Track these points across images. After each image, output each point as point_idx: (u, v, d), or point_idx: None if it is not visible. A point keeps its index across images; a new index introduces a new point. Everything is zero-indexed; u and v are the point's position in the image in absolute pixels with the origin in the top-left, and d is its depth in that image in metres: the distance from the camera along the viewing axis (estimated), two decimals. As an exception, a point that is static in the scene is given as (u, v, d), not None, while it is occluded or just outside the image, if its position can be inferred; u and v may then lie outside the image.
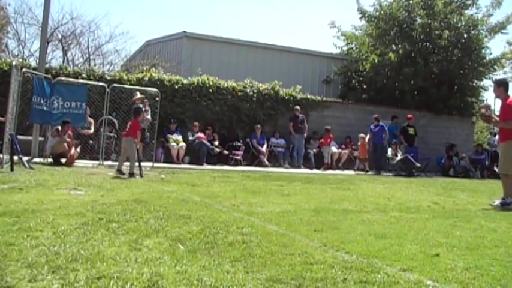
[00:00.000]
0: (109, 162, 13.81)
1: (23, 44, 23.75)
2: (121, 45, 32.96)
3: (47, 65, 15.97)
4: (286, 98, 19.07)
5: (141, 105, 12.49)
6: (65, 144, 12.78)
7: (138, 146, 11.82)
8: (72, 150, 12.99)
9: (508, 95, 8.90)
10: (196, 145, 16.36)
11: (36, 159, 12.94)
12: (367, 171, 18.29)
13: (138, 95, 15.28)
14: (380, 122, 18.61)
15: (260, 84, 18.68)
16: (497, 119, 8.96)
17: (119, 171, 11.02)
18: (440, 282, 3.77)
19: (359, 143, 18.77)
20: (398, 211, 7.61)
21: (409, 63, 21.04)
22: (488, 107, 9.83)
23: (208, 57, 20.97)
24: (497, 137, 22.69)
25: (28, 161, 11.61)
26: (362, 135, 18.66)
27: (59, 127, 13.06)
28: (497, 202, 8.64)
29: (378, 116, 18.68)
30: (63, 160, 12.81)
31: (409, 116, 19.97)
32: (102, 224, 5.21)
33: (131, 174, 10.92)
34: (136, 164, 11.18)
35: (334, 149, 19.03)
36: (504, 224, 6.79)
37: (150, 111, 15.38)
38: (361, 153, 18.70)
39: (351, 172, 18.03)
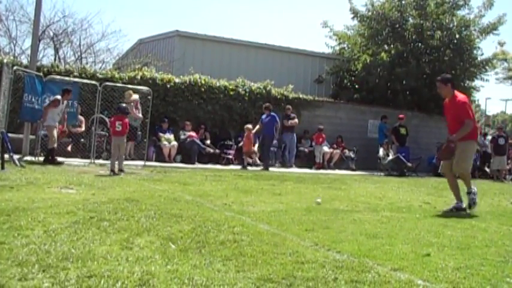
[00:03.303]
0: (100, 161, 13.77)
1: (14, 41, 23.60)
2: (113, 43, 32.97)
3: (39, 63, 15.86)
4: (278, 97, 19.07)
5: (125, 105, 12.55)
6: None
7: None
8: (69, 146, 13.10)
9: (455, 92, 8.42)
10: (188, 144, 16.34)
11: (28, 158, 12.89)
12: (246, 165, 16.53)
13: (135, 96, 15.24)
14: (272, 112, 16.82)
15: (252, 84, 18.68)
16: (454, 137, 8.21)
17: (113, 171, 11.17)
18: (431, 282, 3.79)
19: (245, 135, 16.92)
20: (389, 211, 7.64)
21: (401, 63, 21.08)
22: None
23: (201, 56, 20.92)
24: (489, 137, 22.91)
25: (19, 159, 11.56)
26: (249, 126, 16.92)
27: (59, 96, 12.89)
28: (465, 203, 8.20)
29: (269, 105, 17.03)
30: (59, 159, 12.74)
31: (400, 116, 20.03)
32: (93, 223, 5.20)
33: (121, 171, 11.34)
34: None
35: (326, 148, 19.05)
36: (495, 224, 6.83)
37: (141, 109, 15.38)
38: (247, 146, 16.89)
39: (343, 172, 18.04)
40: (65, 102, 13.04)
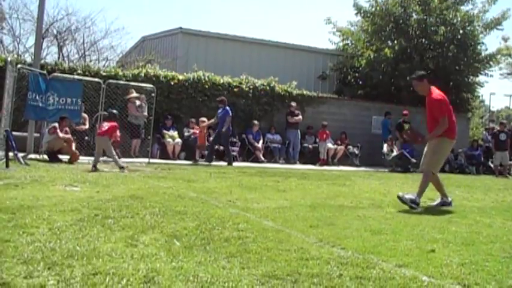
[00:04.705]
0: (104, 158, 13.77)
1: (18, 39, 23.71)
2: (116, 41, 33.11)
3: (42, 61, 15.89)
4: (282, 93, 19.05)
5: (115, 111, 12.60)
6: (64, 141, 12.80)
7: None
8: (73, 147, 13.02)
9: (431, 88, 8.15)
10: (192, 141, 16.35)
11: (32, 156, 12.91)
12: (198, 159, 15.87)
13: (134, 94, 15.32)
14: (226, 105, 15.71)
15: (256, 80, 18.67)
16: (428, 137, 8.18)
17: (95, 167, 11.20)
18: (436, 278, 3.78)
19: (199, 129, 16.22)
20: (393, 207, 7.63)
21: (404, 59, 21.03)
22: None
23: (204, 53, 20.95)
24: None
25: (23, 158, 11.57)
26: (203, 119, 16.16)
27: (57, 124, 13.02)
28: (437, 202, 8.07)
29: (223, 99, 15.87)
30: (60, 156, 12.80)
31: (404, 112, 19.94)
32: (98, 220, 5.21)
33: (122, 168, 11.37)
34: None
35: (330, 145, 19.03)
36: (499, 220, 6.82)
37: (146, 107, 15.45)
38: (200, 140, 16.11)
39: (347, 168, 18.02)
40: (65, 129, 13.13)
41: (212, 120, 16.01)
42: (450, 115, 8.03)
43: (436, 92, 8.08)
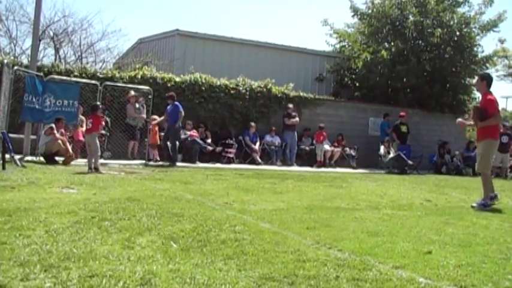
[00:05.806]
0: (101, 161, 13.76)
1: (14, 41, 23.62)
2: (113, 43, 33.00)
3: (39, 63, 15.85)
4: (279, 95, 19.05)
5: (98, 103, 12.48)
6: (60, 142, 12.79)
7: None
8: (70, 149, 13.01)
9: (488, 90, 8.84)
10: (189, 143, 16.33)
11: (28, 158, 12.90)
12: (157, 160, 15.51)
13: (132, 93, 15.34)
14: (176, 101, 15.27)
15: (253, 82, 18.67)
16: (471, 122, 9.15)
17: (96, 169, 11.11)
18: (433, 280, 3.79)
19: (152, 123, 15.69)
20: (390, 209, 7.64)
21: (401, 61, 21.07)
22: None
23: (201, 55, 20.91)
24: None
25: (20, 160, 11.57)
26: (154, 116, 15.72)
27: (53, 125, 13.02)
28: (477, 203, 8.44)
29: (172, 94, 15.42)
30: (57, 158, 12.80)
31: (401, 113, 20.01)
32: (95, 223, 5.21)
33: (96, 169, 11.11)
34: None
35: (327, 146, 19.03)
36: (496, 221, 6.83)
37: (145, 109, 15.46)
38: (152, 139, 15.60)
39: (344, 170, 18.02)
40: (60, 130, 13.14)
41: (162, 118, 15.67)
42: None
43: (492, 95, 8.89)
